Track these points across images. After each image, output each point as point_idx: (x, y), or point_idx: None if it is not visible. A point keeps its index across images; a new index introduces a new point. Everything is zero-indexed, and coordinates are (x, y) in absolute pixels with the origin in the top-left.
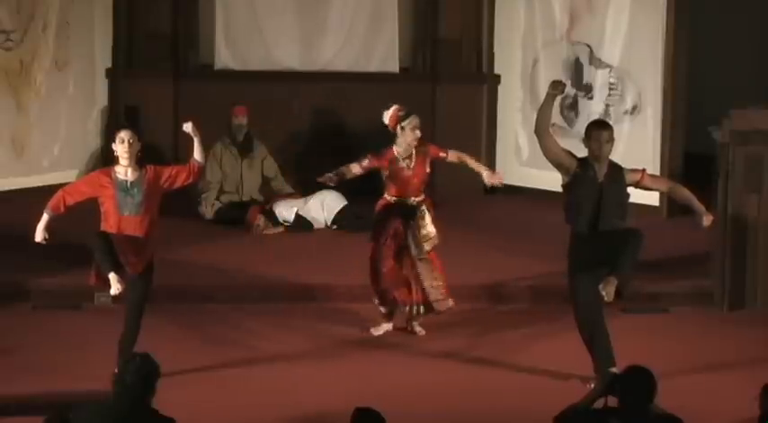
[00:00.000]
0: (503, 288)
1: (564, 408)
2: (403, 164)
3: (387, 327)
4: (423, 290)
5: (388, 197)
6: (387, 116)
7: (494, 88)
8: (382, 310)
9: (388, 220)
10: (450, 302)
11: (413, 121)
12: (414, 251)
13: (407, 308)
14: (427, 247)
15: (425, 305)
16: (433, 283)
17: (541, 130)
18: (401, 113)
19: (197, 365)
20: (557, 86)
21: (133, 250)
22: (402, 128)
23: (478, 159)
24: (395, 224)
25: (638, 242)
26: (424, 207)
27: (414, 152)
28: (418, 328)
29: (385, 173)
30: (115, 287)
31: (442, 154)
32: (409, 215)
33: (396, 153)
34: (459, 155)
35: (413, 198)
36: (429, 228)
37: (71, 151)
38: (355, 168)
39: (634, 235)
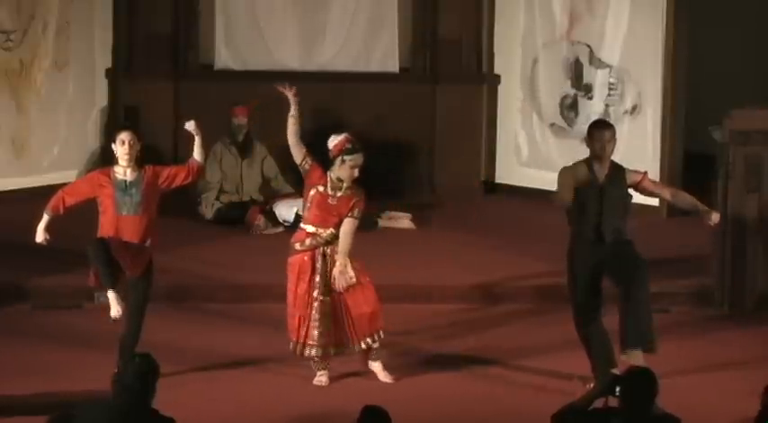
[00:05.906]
0: (502, 288)
1: (561, 406)
2: (330, 192)
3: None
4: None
5: (304, 226)
6: (333, 141)
7: (494, 88)
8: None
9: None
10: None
11: (357, 159)
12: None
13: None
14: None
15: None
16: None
17: (564, 202)
18: (348, 145)
19: (197, 365)
20: None
21: (132, 252)
22: (343, 161)
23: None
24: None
25: (646, 286)
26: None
27: (341, 188)
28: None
29: (308, 193)
30: (115, 309)
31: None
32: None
33: (327, 179)
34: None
35: (331, 229)
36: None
37: (71, 151)
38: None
39: (641, 276)
